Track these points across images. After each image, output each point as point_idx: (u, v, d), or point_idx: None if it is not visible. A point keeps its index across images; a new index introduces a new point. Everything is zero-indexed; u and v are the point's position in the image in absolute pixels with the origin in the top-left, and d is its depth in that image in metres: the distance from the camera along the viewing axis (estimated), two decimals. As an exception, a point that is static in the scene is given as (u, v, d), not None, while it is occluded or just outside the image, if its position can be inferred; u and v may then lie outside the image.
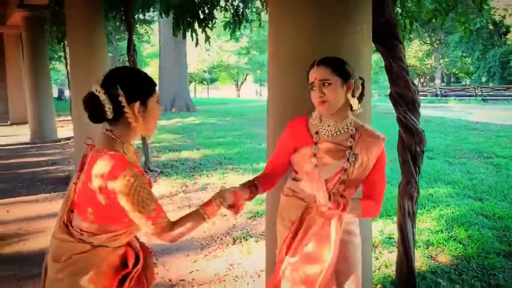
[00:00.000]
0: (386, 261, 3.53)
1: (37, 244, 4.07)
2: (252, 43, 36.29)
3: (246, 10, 6.18)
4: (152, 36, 30.17)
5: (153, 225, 1.56)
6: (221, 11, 6.20)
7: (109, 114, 1.55)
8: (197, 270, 3.54)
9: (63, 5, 9.96)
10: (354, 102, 1.81)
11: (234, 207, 1.75)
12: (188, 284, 3.30)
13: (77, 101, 6.43)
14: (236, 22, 6.14)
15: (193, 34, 6.00)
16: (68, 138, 10.81)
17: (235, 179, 6.40)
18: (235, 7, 6.18)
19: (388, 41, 2.65)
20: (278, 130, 2.35)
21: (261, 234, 4.24)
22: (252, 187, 1.87)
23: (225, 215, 4.81)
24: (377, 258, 3.57)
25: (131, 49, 6.56)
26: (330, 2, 2.28)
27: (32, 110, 10.76)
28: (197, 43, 6.12)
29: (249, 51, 36.10)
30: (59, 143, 10.55)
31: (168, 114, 16.47)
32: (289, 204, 1.94)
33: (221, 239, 4.20)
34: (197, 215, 1.66)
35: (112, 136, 1.60)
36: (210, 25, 5.93)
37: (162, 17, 6.60)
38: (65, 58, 10.78)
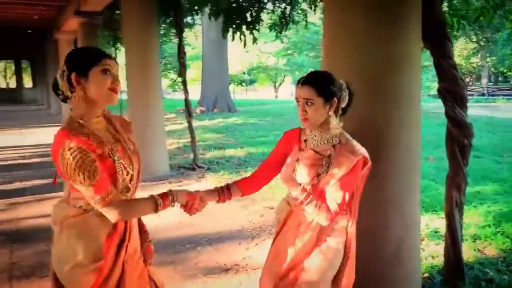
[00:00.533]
0: (433, 252, 3.63)
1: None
2: (290, 44, 36.38)
3: (293, 12, 6.38)
4: (192, 39, 30.86)
5: (92, 200, 1.60)
6: (267, 14, 6.44)
7: (67, 92, 1.66)
8: (249, 257, 3.77)
9: (115, 12, 10.57)
10: (333, 120, 1.88)
11: (187, 208, 1.84)
12: (242, 269, 3.54)
13: (133, 101, 6.85)
14: (282, 24, 6.35)
15: (241, 36, 6.27)
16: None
17: (278, 176, 6.60)
18: (282, 10, 6.40)
19: (437, 40, 2.78)
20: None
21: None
22: (222, 191, 2.01)
23: (272, 208, 5.03)
24: (423, 250, 3.67)
25: (181, 51, 6.90)
26: (380, 3, 2.43)
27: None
28: (245, 45, 6.40)
29: (292, 52, 36.13)
30: (110, 141, 11.12)
31: (210, 115, 16.92)
32: (281, 206, 2.11)
33: (270, 230, 4.42)
34: (152, 203, 1.71)
35: (71, 114, 1.68)
36: (257, 27, 6.19)
37: (210, 20, 6.93)
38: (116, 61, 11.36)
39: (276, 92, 44.45)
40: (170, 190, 1.78)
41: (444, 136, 2.95)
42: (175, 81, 25.56)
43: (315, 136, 1.94)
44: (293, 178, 1.91)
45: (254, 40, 6.36)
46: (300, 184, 1.88)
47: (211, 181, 6.47)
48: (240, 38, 6.34)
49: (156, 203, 1.71)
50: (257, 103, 24.91)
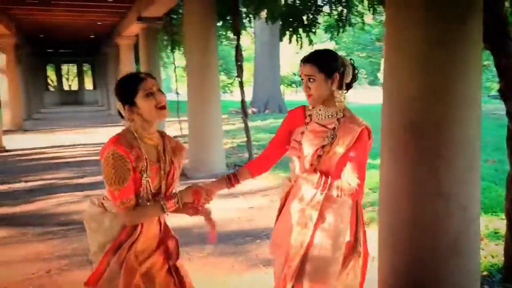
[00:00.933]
0: (492, 252, 3.63)
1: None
2: (341, 45, 36.02)
3: (349, 14, 6.49)
4: (243, 41, 31.30)
5: (114, 202, 1.84)
6: (324, 16, 6.59)
7: (131, 118, 1.89)
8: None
9: (173, 16, 11.07)
10: (337, 93, 1.99)
11: (194, 205, 1.96)
12: (301, 261, 3.71)
13: (192, 101, 7.21)
14: (339, 26, 6.48)
15: (298, 39, 6.46)
16: (175, 137, 11.77)
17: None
18: (339, 12, 6.52)
19: (498, 40, 2.81)
20: (395, 129, 2.65)
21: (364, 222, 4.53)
22: (229, 178, 2.12)
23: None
24: (483, 249, 3.67)
25: (239, 54, 7.19)
26: (442, 5, 2.50)
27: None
28: (301, 47, 6.59)
29: (348, 53, 35.68)
30: (168, 141, 11.64)
31: (262, 116, 17.21)
32: (283, 184, 2.23)
33: (326, 226, 4.55)
34: (159, 206, 1.89)
35: (129, 126, 1.91)
36: (313, 30, 6.35)
37: (267, 23, 7.17)
38: (174, 64, 11.92)
39: (326, 93, 44.07)
40: (174, 193, 1.95)
41: (505, 138, 2.97)
42: (231, 83, 26.16)
43: (320, 110, 2.04)
44: (308, 169, 2.01)
45: (310, 42, 6.53)
46: (316, 172, 1.99)
47: (269, 179, 6.67)
48: (297, 41, 6.53)
49: (163, 208, 1.88)
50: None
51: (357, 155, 1.94)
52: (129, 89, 1.86)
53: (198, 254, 3.97)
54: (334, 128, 1.98)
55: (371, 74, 34.99)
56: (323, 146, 1.97)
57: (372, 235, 3.65)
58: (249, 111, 17.95)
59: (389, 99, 2.75)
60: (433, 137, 2.50)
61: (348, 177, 1.94)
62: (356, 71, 2.06)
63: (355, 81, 2.07)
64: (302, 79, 2.02)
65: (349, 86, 2.05)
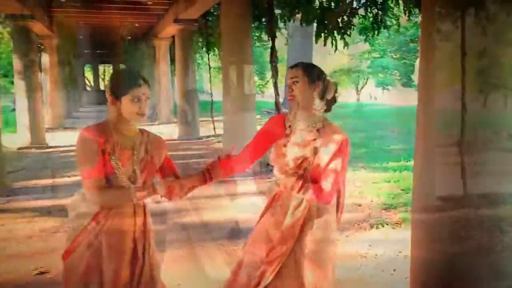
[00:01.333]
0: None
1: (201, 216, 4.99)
2: (375, 46, 35.54)
3: (385, 16, 6.53)
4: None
5: (85, 182, 1.92)
6: (359, 19, 6.65)
7: (110, 104, 1.98)
8: (342, 248, 4.02)
9: (208, 18, 11.33)
10: (317, 101, 2.10)
11: (167, 195, 2.02)
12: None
13: (227, 103, 7.40)
14: (374, 28, 6.53)
15: (333, 41, 6.55)
16: (208, 136, 12.13)
17: (365, 176, 6.80)
18: (374, 15, 6.57)
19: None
20: (429, 131, 2.72)
21: (396, 223, 4.60)
22: (203, 175, 2.12)
23: (360, 205, 5.26)
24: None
25: (273, 56, 7.32)
26: (476, 5, 2.56)
27: (182, 111, 12.26)
28: (336, 49, 6.67)
29: (382, 55, 35.16)
30: (201, 140, 11.91)
31: (293, 117, 17.28)
32: (271, 188, 2.28)
33: (359, 224, 4.64)
34: (127, 193, 1.95)
35: (109, 116, 2.01)
36: (348, 32, 6.43)
37: (302, 26, 7.29)
38: (209, 64, 12.17)
39: (358, 95, 43.61)
40: (147, 184, 2.02)
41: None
42: (263, 85, 26.39)
43: (299, 121, 2.13)
44: (287, 171, 2.11)
45: (345, 44, 6.61)
46: (294, 174, 2.08)
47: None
48: (332, 43, 6.62)
49: (130, 197, 1.94)
50: (338, 105, 24.80)
51: (336, 163, 2.05)
52: (120, 87, 1.95)
53: (233, 247, 4.13)
54: (314, 139, 2.08)
55: (404, 76, 34.38)
56: (306, 158, 2.07)
57: (405, 235, 3.71)
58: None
59: (424, 101, 2.82)
60: (468, 139, 2.56)
61: (324, 183, 2.05)
62: (337, 94, 2.19)
63: (334, 102, 2.19)
64: (288, 85, 2.14)
65: (329, 104, 2.16)
